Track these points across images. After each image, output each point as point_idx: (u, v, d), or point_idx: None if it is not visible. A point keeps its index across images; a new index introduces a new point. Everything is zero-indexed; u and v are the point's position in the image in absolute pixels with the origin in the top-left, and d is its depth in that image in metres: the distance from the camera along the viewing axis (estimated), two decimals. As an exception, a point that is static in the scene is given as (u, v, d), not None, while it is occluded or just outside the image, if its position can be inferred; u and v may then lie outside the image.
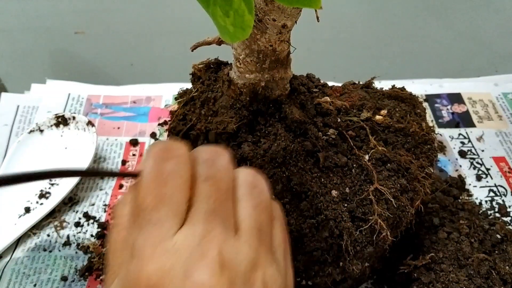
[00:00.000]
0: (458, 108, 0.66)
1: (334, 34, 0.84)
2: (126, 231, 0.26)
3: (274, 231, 0.28)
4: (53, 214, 0.52)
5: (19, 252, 0.48)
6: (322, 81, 0.43)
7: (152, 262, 0.23)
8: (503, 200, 0.53)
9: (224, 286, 0.22)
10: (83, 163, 0.54)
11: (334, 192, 0.35)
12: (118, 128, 0.64)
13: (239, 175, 0.28)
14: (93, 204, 0.54)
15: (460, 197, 0.52)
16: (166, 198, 0.25)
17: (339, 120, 0.39)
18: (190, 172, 0.26)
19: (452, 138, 0.62)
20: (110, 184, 0.56)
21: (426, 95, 0.68)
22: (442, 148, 0.60)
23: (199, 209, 0.25)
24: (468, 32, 0.86)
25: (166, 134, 0.41)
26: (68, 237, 0.50)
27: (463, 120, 0.65)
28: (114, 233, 0.27)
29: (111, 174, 0.29)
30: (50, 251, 0.49)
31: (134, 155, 0.60)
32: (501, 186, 0.55)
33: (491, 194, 0.54)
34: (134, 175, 0.27)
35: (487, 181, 0.56)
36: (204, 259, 0.23)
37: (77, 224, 0.51)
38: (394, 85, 0.45)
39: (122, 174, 0.27)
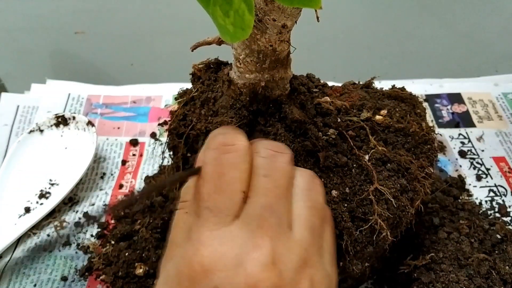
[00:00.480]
0: (458, 108, 0.66)
1: (334, 34, 0.84)
2: (187, 215, 0.27)
3: (324, 235, 0.28)
4: (53, 214, 0.52)
5: (19, 252, 0.48)
6: (322, 81, 0.43)
7: (206, 247, 0.24)
8: (503, 200, 0.53)
9: (273, 280, 0.23)
10: (83, 163, 0.54)
11: (334, 192, 0.35)
12: (118, 128, 0.64)
13: (298, 174, 0.29)
14: (93, 204, 0.54)
15: (460, 197, 0.52)
16: (224, 188, 0.26)
17: (339, 120, 0.39)
18: (249, 164, 0.27)
19: (452, 138, 0.62)
20: (110, 184, 0.56)
21: (426, 95, 0.68)
22: (442, 148, 0.60)
23: (256, 202, 0.26)
24: (468, 32, 0.86)
25: (166, 134, 0.41)
26: (68, 237, 0.50)
27: (463, 120, 0.65)
28: (176, 216, 0.27)
29: (177, 177, 0.29)
30: (50, 251, 0.49)
31: (134, 155, 0.60)
32: (501, 186, 0.55)
33: (491, 194, 0.54)
34: (197, 170, 0.28)
35: (487, 181, 0.56)
36: (257, 251, 0.24)
37: (77, 224, 0.51)
38: (394, 85, 0.45)
39: (188, 174, 0.28)
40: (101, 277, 0.46)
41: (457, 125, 0.64)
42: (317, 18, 0.30)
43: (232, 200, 0.25)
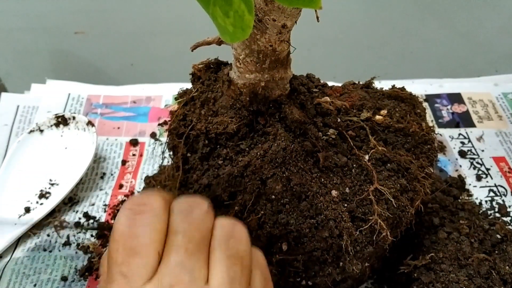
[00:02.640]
0: (458, 108, 0.66)
1: (334, 34, 0.84)
2: (103, 282, 0.27)
3: (252, 281, 0.28)
4: (53, 214, 0.52)
5: (19, 252, 0.48)
6: (322, 81, 0.43)
7: None
8: (503, 200, 0.53)
9: None
10: (83, 163, 0.54)
11: (334, 192, 0.35)
12: (118, 128, 0.64)
13: (217, 225, 0.28)
14: (93, 204, 0.54)
15: (460, 197, 0.52)
16: (136, 251, 0.25)
17: (339, 120, 0.39)
18: (164, 224, 0.27)
19: (452, 138, 0.62)
20: (110, 184, 0.56)
21: (426, 95, 0.68)
22: (442, 148, 0.60)
23: (168, 261, 0.25)
24: (468, 32, 0.86)
25: (166, 134, 0.41)
26: (68, 237, 0.50)
27: (463, 120, 0.65)
28: (98, 285, 0.27)
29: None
30: (50, 251, 0.49)
31: (134, 155, 0.60)
32: (501, 186, 0.55)
33: (491, 194, 0.54)
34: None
35: (487, 181, 0.56)
36: None
37: (77, 224, 0.51)
38: (394, 85, 0.45)
39: (100, 229, 0.29)
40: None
41: (457, 125, 0.64)
42: (317, 18, 0.30)
43: (145, 263, 0.25)
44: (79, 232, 0.51)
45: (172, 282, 0.24)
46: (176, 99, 0.41)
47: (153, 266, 0.25)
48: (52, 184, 0.54)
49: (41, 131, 0.58)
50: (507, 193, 0.54)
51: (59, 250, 0.49)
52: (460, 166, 0.58)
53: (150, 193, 0.28)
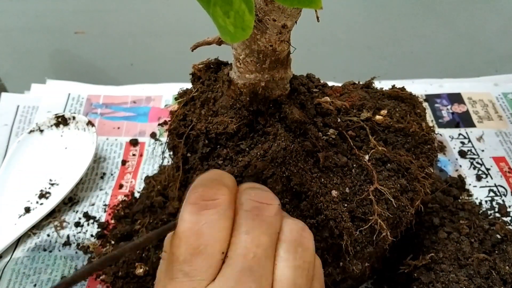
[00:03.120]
0: (458, 108, 0.66)
1: (334, 34, 0.84)
2: (164, 274, 0.25)
3: None
4: (53, 214, 0.52)
5: (19, 252, 0.48)
6: (322, 81, 0.43)
7: None
8: (503, 200, 0.53)
9: None
10: (83, 163, 0.54)
11: (334, 192, 0.35)
12: (118, 128, 0.64)
13: (285, 228, 0.27)
14: (93, 204, 0.54)
15: (460, 197, 0.52)
16: (200, 249, 0.24)
17: (339, 120, 0.39)
18: (230, 221, 0.25)
19: (452, 138, 0.62)
20: (110, 184, 0.56)
21: (426, 95, 0.68)
22: (442, 148, 0.60)
23: (234, 264, 0.24)
24: (468, 32, 0.86)
25: (166, 134, 0.41)
26: (68, 237, 0.50)
27: (463, 120, 0.65)
28: (159, 268, 0.26)
29: (152, 236, 0.27)
30: (50, 251, 0.49)
31: (134, 155, 0.60)
32: (501, 186, 0.55)
33: (491, 194, 0.54)
34: (173, 226, 0.26)
35: (487, 181, 0.56)
36: None
37: (77, 224, 0.51)
38: (394, 85, 0.45)
39: (164, 230, 0.27)
40: (101, 277, 0.46)
41: (457, 125, 0.64)
42: (317, 18, 0.30)
43: (209, 263, 0.24)
44: (79, 232, 0.51)
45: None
46: (176, 99, 0.41)
47: (217, 266, 0.24)
48: (52, 184, 0.54)
49: (41, 131, 0.58)
50: (507, 193, 0.54)
51: (59, 250, 0.49)
52: (460, 166, 0.58)
53: (216, 184, 0.27)
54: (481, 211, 0.50)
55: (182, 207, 0.26)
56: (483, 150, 0.60)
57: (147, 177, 0.55)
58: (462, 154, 0.59)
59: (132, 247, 0.26)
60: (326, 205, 0.34)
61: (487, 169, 0.57)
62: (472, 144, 0.61)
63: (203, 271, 0.24)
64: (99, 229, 0.51)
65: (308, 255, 0.27)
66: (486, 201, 0.53)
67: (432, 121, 0.64)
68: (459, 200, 0.51)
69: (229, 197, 0.26)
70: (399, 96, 0.43)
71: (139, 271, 0.44)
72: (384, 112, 0.41)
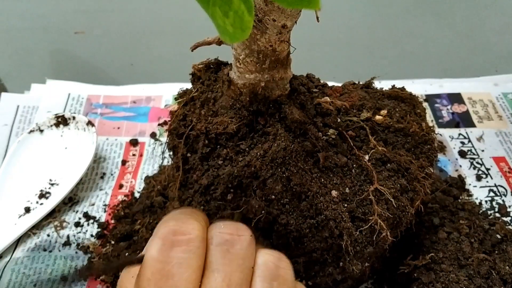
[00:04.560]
0: (458, 108, 0.66)
1: (334, 34, 0.84)
2: None
3: None
4: (53, 214, 0.52)
5: (19, 252, 0.48)
6: (322, 81, 0.43)
7: None
8: (503, 200, 0.53)
9: None
10: (83, 163, 0.54)
11: (334, 192, 0.35)
12: (118, 128, 0.64)
13: (259, 261, 0.25)
14: (93, 204, 0.54)
15: (460, 197, 0.52)
16: None
17: (339, 120, 0.39)
18: (201, 259, 0.24)
19: (452, 138, 0.62)
20: (110, 184, 0.56)
21: (426, 95, 0.68)
22: (442, 148, 0.60)
23: None
24: (468, 32, 0.86)
25: (166, 134, 0.41)
26: (68, 237, 0.50)
27: (463, 120, 0.65)
28: None
29: (117, 265, 0.26)
30: (50, 251, 0.49)
31: (134, 155, 0.60)
32: (501, 186, 0.55)
33: (491, 194, 0.54)
34: (140, 260, 0.25)
35: (487, 181, 0.56)
36: None
37: (77, 224, 0.51)
38: (394, 85, 0.45)
39: (130, 262, 0.26)
40: (101, 277, 0.46)
41: (457, 125, 0.64)
42: (317, 18, 0.30)
43: None
44: (79, 232, 0.51)
45: None
46: (176, 99, 0.41)
47: None
48: (52, 184, 0.54)
49: (41, 131, 0.58)
50: (507, 193, 0.54)
51: (59, 250, 0.49)
52: (460, 166, 0.58)
53: (187, 218, 0.25)
54: (481, 211, 0.50)
55: (150, 241, 0.25)
56: (483, 150, 0.60)
57: (147, 177, 0.55)
58: (462, 154, 0.59)
59: (95, 270, 0.25)
60: (326, 205, 0.34)
61: (487, 169, 0.57)
62: (472, 144, 0.61)
63: None
64: (99, 229, 0.51)
65: (287, 287, 0.25)
66: (486, 201, 0.53)
67: (432, 121, 0.64)
68: (459, 200, 0.51)
69: (201, 232, 0.25)
70: (399, 96, 0.43)
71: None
72: (384, 112, 0.41)
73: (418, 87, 0.69)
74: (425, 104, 0.66)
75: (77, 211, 0.53)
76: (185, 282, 0.23)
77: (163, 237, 0.24)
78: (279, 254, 0.26)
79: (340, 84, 0.45)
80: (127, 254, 0.45)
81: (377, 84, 0.46)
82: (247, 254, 0.25)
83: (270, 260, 0.26)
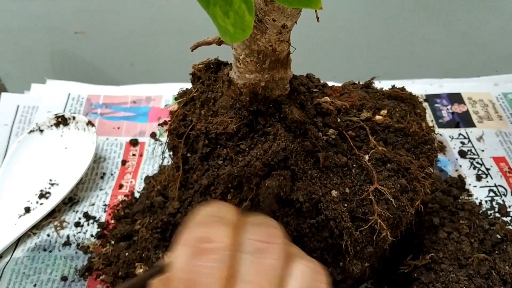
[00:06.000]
0: (458, 108, 0.66)
1: (334, 34, 0.84)
2: None
3: None
4: (53, 214, 0.52)
5: (19, 252, 0.48)
6: (322, 81, 0.43)
7: None
8: (503, 200, 0.53)
9: None
10: (83, 163, 0.54)
11: (334, 192, 0.35)
12: (118, 128, 0.64)
13: (295, 273, 0.24)
14: (93, 204, 0.54)
15: (460, 197, 0.52)
16: None
17: (339, 120, 0.39)
18: (229, 268, 0.23)
19: (452, 138, 0.62)
20: (110, 184, 0.56)
21: (426, 95, 0.68)
22: (442, 148, 0.60)
23: None
24: (468, 32, 0.86)
25: (166, 134, 0.41)
26: (68, 237, 0.50)
27: (463, 120, 0.65)
28: None
29: (143, 278, 0.26)
30: (50, 251, 0.49)
31: (134, 155, 0.60)
32: (501, 186, 0.55)
33: (491, 194, 0.54)
34: (163, 268, 0.24)
35: (487, 181, 0.56)
36: None
37: (77, 224, 0.51)
38: (394, 85, 0.45)
39: (154, 273, 0.25)
40: (101, 277, 0.46)
41: (457, 125, 0.64)
42: (317, 18, 0.30)
43: None
44: (79, 232, 0.51)
45: None
46: (176, 99, 0.41)
47: None
48: (52, 184, 0.54)
49: (41, 131, 0.58)
50: (507, 193, 0.54)
51: (59, 250, 0.49)
52: (460, 166, 0.58)
53: (215, 222, 0.24)
54: (481, 211, 0.50)
55: (177, 247, 0.24)
56: (483, 150, 0.60)
57: (147, 177, 0.55)
58: (462, 154, 0.59)
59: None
60: (326, 205, 0.34)
61: (487, 169, 0.57)
62: (472, 144, 0.61)
63: None
64: (99, 229, 0.51)
65: None
66: (486, 201, 0.53)
67: (432, 121, 0.64)
68: (459, 200, 0.51)
69: (230, 239, 0.23)
70: (399, 96, 0.43)
71: (139, 271, 0.44)
72: (384, 112, 0.41)
73: (418, 87, 0.69)
74: (425, 104, 0.66)
75: (77, 211, 0.53)
76: None
77: (189, 244, 0.23)
78: (316, 265, 0.25)
79: (340, 84, 0.45)
80: (127, 253, 0.45)
81: (377, 84, 0.46)
82: (280, 264, 0.24)
83: (306, 273, 0.24)
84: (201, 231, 0.24)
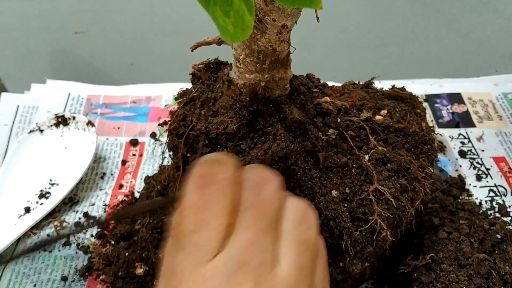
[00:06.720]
0: (458, 108, 0.66)
1: (334, 34, 0.84)
2: (172, 246, 0.26)
3: (316, 270, 0.27)
4: (53, 214, 0.52)
5: (19, 252, 0.48)
6: (322, 81, 0.43)
7: (188, 284, 0.23)
8: (503, 200, 0.53)
9: None
10: (83, 163, 0.54)
11: (334, 192, 0.35)
12: (118, 128, 0.64)
13: (288, 205, 0.27)
14: (93, 204, 0.54)
15: (460, 197, 0.52)
16: (205, 222, 0.25)
17: (339, 120, 0.39)
18: (233, 196, 0.26)
19: (452, 138, 0.62)
20: (110, 184, 0.56)
21: (426, 95, 0.68)
22: (442, 148, 0.60)
23: (239, 237, 0.25)
24: (468, 32, 0.86)
25: (166, 134, 0.41)
26: (68, 237, 0.50)
27: (463, 120, 0.65)
28: (167, 244, 0.27)
29: (150, 205, 0.29)
30: (50, 251, 0.49)
31: (134, 155, 0.60)
32: (501, 186, 0.55)
33: (491, 194, 0.54)
34: (173, 198, 0.27)
35: (487, 181, 0.56)
36: None
37: (77, 224, 0.51)
38: (394, 85, 0.45)
39: (164, 202, 0.29)
40: (101, 277, 0.46)
41: (457, 125, 0.64)
42: (317, 18, 0.30)
43: (214, 235, 0.24)
44: (79, 232, 0.51)
45: (242, 259, 0.24)
46: (176, 99, 0.41)
47: (222, 239, 0.25)
48: (52, 184, 0.54)
49: (41, 131, 0.58)
50: (507, 193, 0.54)
51: (59, 250, 0.49)
52: (460, 166, 0.58)
53: (222, 158, 0.27)
54: (481, 211, 0.50)
55: (188, 180, 0.27)
56: (483, 150, 0.60)
57: (147, 177, 0.55)
58: (462, 154, 0.59)
59: (126, 213, 0.27)
60: (326, 205, 0.35)
61: (487, 169, 0.57)
62: (472, 144, 0.61)
63: (209, 243, 0.24)
64: (99, 229, 0.50)
65: (312, 232, 0.27)
66: (486, 201, 0.53)
67: (432, 121, 0.64)
68: (459, 200, 0.51)
69: (234, 172, 0.27)
70: (399, 96, 0.43)
71: (139, 271, 0.44)
72: (384, 112, 0.41)
73: (418, 87, 0.69)
74: (425, 104, 0.66)
75: (77, 211, 0.53)
76: (219, 214, 0.25)
77: (199, 175, 0.26)
78: (307, 202, 0.28)
79: (340, 84, 0.45)
80: (127, 253, 0.45)
81: (377, 84, 0.46)
82: (276, 196, 0.27)
83: (299, 206, 0.28)
84: (207, 167, 0.27)
